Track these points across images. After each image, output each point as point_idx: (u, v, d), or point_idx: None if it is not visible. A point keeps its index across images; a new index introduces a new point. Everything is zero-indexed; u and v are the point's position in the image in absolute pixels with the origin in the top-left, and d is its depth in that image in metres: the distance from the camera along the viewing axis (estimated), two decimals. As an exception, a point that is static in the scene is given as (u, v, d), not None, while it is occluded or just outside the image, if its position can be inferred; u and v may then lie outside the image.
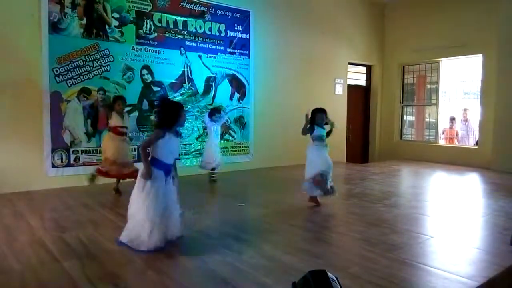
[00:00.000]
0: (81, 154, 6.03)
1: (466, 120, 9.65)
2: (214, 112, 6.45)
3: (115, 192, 5.38)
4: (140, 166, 3.41)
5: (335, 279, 2.03)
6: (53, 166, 5.82)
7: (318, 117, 4.88)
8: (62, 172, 5.87)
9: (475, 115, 9.16)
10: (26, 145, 5.59)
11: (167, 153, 3.31)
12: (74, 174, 5.94)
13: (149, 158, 3.28)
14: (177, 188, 3.49)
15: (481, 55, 8.65)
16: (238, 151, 7.87)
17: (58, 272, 2.82)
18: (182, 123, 3.42)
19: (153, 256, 3.11)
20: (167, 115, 3.29)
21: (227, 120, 7.64)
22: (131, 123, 6.34)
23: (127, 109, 5.82)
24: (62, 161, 5.89)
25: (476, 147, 8.96)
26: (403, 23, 10.05)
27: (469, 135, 9.59)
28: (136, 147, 6.30)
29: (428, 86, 10.02)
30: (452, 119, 9.80)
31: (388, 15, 10.45)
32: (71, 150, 5.96)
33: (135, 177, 5.11)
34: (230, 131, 7.72)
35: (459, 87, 10.13)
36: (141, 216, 3.19)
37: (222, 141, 7.41)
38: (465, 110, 9.61)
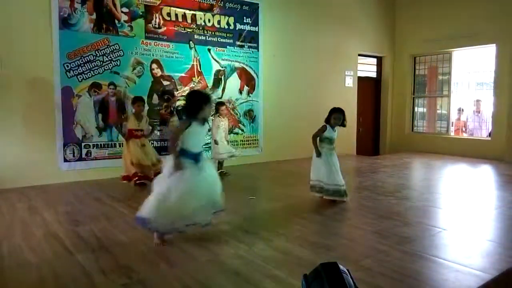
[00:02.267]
0: (93, 148, 6.09)
1: (479, 112, 9.50)
2: (219, 105, 6.43)
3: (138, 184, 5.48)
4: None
5: (346, 271, 2.02)
6: (65, 160, 5.89)
7: (334, 117, 4.59)
8: (74, 166, 5.95)
9: (488, 106, 9.02)
10: (39, 140, 5.67)
11: (194, 142, 3.36)
12: (86, 168, 6.02)
13: (178, 149, 3.30)
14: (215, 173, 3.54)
15: (494, 45, 8.49)
16: (248, 144, 7.87)
17: (72, 265, 2.86)
18: (208, 113, 3.42)
19: (166, 248, 3.14)
20: (192, 105, 3.33)
21: (237, 114, 7.64)
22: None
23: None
24: (74, 156, 5.95)
25: (489, 138, 8.83)
26: (414, 13, 9.91)
27: (482, 127, 9.44)
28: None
29: (440, 77, 9.89)
30: (460, 110, 9.67)
31: (399, 5, 10.29)
32: (83, 144, 6.02)
33: None
34: (239, 124, 7.72)
35: (471, 78, 9.97)
36: (162, 190, 3.17)
37: (231, 134, 7.42)
38: (478, 101, 9.47)
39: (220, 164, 6.45)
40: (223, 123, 6.36)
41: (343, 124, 4.68)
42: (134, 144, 5.49)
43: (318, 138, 4.65)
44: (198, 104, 3.31)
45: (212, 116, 6.36)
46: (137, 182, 5.48)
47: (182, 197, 3.14)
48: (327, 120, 4.63)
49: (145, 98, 6.50)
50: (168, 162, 3.31)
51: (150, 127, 5.99)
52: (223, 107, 6.42)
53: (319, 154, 4.59)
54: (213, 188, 3.40)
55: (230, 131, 7.24)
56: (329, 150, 4.63)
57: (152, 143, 6.55)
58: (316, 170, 4.66)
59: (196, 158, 3.34)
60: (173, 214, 3.14)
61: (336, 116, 4.58)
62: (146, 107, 6.50)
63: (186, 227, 3.27)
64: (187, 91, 6.91)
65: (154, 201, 3.16)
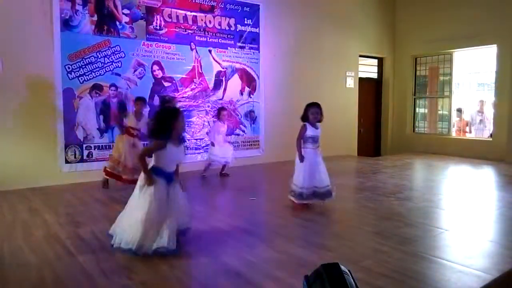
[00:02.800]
0: (94, 149, 6.10)
1: (482, 112, 9.48)
2: (221, 110, 6.43)
3: (103, 186, 5.46)
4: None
5: (348, 272, 2.01)
6: (67, 162, 5.90)
7: (312, 112, 4.23)
8: (75, 168, 5.95)
9: (489, 107, 9.00)
10: (40, 142, 5.68)
11: (168, 162, 3.17)
12: (87, 169, 6.02)
13: (150, 166, 3.15)
14: (183, 193, 3.37)
15: (495, 45, 8.48)
16: (249, 145, 7.87)
17: (73, 266, 2.86)
18: (181, 129, 3.21)
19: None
20: (163, 125, 3.09)
21: (238, 115, 7.64)
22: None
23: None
24: (75, 157, 5.96)
25: (490, 139, 8.81)
26: (415, 14, 9.90)
27: (486, 127, 9.40)
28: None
29: (441, 78, 9.87)
30: (459, 111, 9.67)
31: (399, 6, 10.29)
32: (84, 146, 6.03)
33: None
34: (240, 125, 7.72)
35: (472, 79, 9.96)
36: (139, 217, 3.01)
37: (233, 135, 7.44)
38: (481, 101, 9.44)
39: (223, 166, 6.46)
40: (223, 129, 6.38)
41: (319, 120, 4.31)
42: (126, 142, 5.45)
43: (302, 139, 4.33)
44: (168, 124, 3.09)
45: (213, 119, 6.39)
46: (105, 177, 5.43)
47: (153, 217, 3.01)
48: (305, 118, 4.30)
49: (146, 99, 6.52)
50: (140, 179, 3.16)
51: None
52: (225, 112, 6.43)
53: (302, 159, 4.28)
54: (181, 210, 3.25)
55: (231, 133, 7.25)
56: (313, 151, 4.33)
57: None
58: (307, 176, 4.29)
59: (169, 177, 3.19)
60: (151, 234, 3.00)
61: (313, 111, 4.23)
62: (148, 108, 6.52)
63: (155, 250, 3.00)
64: (188, 93, 6.94)
65: (138, 227, 2.97)
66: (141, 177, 3.15)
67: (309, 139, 4.32)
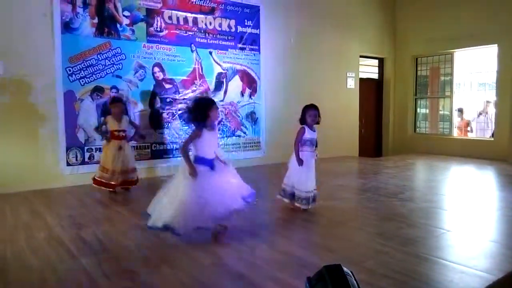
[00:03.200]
0: (95, 152, 6.09)
1: (486, 112, 9.46)
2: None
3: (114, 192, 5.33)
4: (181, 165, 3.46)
5: (350, 273, 2.01)
6: (68, 164, 5.90)
7: (310, 114, 4.17)
8: (77, 170, 5.95)
9: (491, 107, 9.00)
10: (41, 144, 5.69)
11: (207, 149, 3.43)
12: (88, 172, 6.00)
13: (193, 157, 3.39)
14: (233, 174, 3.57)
15: (496, 45, 8.48)
16: (250, 147, 7.87)
17: (75, 268, 2.86)
18: (215, 118, 3.51)
19: (168, 251, 3.14)
20: (200, 112, 3.40)
21: (239, 116, 7.64)
22: (143, 122, 6.40)
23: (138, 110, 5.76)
24: (77, 159, 5.96)
25: (492, 139, 8.80)
26: (415, 14, 9.90)
27: (489, 127, 9.39)
28: (133, 146, 6.34)
29: (442, 78, 9.87)
30: (460, 111, 9.66)
31: (400, 6, 10.29)
32: (86, 148, 6.03)
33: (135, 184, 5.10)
34: (242, 127, 7.72)
35: (474, 79, 9.95)
36: (182, 198, 3.23)
37: (234, 137, 7.43)
38: (487, 102, 9.42)
39: None
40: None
41: (317, 122, 4.26)
42: (112, 147, 5.27)
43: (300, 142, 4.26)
44: (204, 111, 3.39)
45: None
46: (95, 185, 5.30)
47: (199, 201, 3.21)
48: (303, 121, 4.25)
49: (147, 101, 6.53)
50: (182, 169, 3.38)
51: (133, 127, 5.63)
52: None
53: (301, 163, 4.17)
54: (228, 193, 3.43)
55: (232, 134, 7.24)
56: (311, 154, 4.25)
57: (155, 146, 6.57)
58: (292, 176, 4.29)
59: (211, 164, 3.42)
60: (195, 215, 3.21)
61: (311, 113, 4.18)
62: (148, 110, 6.52)
63: (198, 229, 3.30)
64: (188, 95, 6.94)
65: (176, 207, 3.19)
66: (184, 169, 3.34)
67: (307, 142, 4.24)
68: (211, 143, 3.47)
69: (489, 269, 2.76)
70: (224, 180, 3.46)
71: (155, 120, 6.64)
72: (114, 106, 5.39)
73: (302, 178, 4.21)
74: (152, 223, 3.25)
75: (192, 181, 3.27)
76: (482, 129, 9.53)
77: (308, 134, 4.24)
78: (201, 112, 3.40)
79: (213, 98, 3.97)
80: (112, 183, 5.22)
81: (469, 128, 9.79)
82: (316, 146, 4.33)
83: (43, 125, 5.70)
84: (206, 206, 3.23)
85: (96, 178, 5.31)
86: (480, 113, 9.62)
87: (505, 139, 8.28)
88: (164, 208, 3.25)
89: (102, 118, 5.68)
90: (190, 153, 3.43)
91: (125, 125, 5.41)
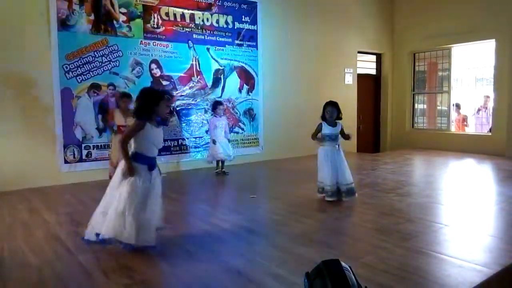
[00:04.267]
0: (93, 149, 6.08)
1: (486, 108, 9.47)
2: (217, 105, 6.39)
3: None
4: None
5: (348, 268, 2.02)
6: (66, 162, 5.89)
7: (327, 111, 4.41)
8: (74, 168, 5.94)
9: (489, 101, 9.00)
10: (39, 142, 5.66)
11: (149, 145, 3.13)
12: (86, 169, 6.00)
13: (131, 153, 3.09)
14: (162, 181, 3.32)
15: (493, 40, 8.47)
16: (248, 143, 7.86)
17: (73, 265, 2.86)
18: (162, 112, 3.19)
19: (166, 248, 3.14)
20: (145, 104, 3.08)
21: (236, 113, 7.63)
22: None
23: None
24: (74, 157, 5.95)
25: (490, 134, 8.82)
26: (413, 9, 9.88)
27: (489, 122, 9.39)
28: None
29: (440, 73, 9.87)
30: (458, 106, 9.66)
31: (397, 1, 10.26)
32: (83, 145, 6.01)
33: None
34: (239, 123, 7.71)
35: (471, 74, 9.94)
36: (123, 210, 2.96)
37: (232, 133, 7.41)
38: (487, 97, 9.42)
39: (222, 163, 6.45)
40: (221, 123, 6.32)
41: (338, 117, 4.51)
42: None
43: (318, 135, 4.54)
44: (149, 104, 3.08)
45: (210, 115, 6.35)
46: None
47: (135, 209, 2.97)
48: (323, 117, 4.50)
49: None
50: (120, 167, 3.10)
51: None
52: (221, 107, 6.38)
53: (321, 140, 4.49)
54: (157, 207, 3.19)
55: (231, 130, 7.23)
56: (331, 148, 4.48)
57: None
58: (320, 171, 4.54)
59: (150, 163, 3.14)
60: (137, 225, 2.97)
61: (328, 109, 4.42)
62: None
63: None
64: (186, 91, 6.93)
65: (115, 218, 2.95)
66: (121, 164, 3.09)
67: (326, 137, 4.46)
68: (155, 140, 3.16)
69: (487, 263, 2.77)
70: (158, 187, 3.20)
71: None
72: (122, 101, 5.51)
73: (324, 171, 4.44)
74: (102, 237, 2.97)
75: (130, 186, 2.98)
76: (482, 124, 9.51)
77: (326, 130, 4.47)
78: (147, 104, 3.07)
79: (167, 91, 3.64)
80: None
81: (466, 123, 9.78)
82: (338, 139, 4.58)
83: (40, 122, 5.68)
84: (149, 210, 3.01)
85: (111, 175, 5.33)
86: (480, 109, 9.61)
87: (502, 134, 8.29)
88: (112, 221, 2.96)
89: (113, 108, 5.82)
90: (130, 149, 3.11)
91: (130, 121, 5.44)
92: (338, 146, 4.54)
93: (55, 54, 5.73)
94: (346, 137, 4.61)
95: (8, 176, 5.41)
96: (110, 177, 5.43)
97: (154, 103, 3.09)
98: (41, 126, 5.69)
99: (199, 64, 7.11)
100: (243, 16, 7.62)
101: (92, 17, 6.02)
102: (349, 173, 4.57)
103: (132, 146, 3.12)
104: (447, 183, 5.96)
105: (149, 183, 3.09)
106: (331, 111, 4.41)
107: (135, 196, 2.99)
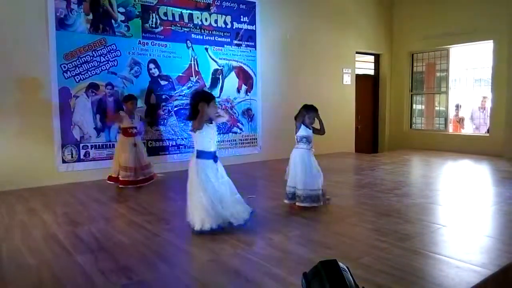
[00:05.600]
0: (91, 149, 6.07)
1: (484, 108, 9.49)
2: None
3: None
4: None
5: (346, 268, 2.01)
6: (64, 161, 5.87)
7: (308, 117, 4.20)
8: (72, 168, 5.93)
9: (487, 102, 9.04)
10: (37, 142, 5.65)
11: (208, 142, 3.54)
12: (84, 169, 6.00)
13: (195, 151, 3.53)
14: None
15: (491, 41, 8.50)
16: (246, 143, 7.86)
17: (72, 266, 2.86)
18: (212, 112, 3.57)
19: (165, 249, 3.14)
20: (195, 107, 3.47)
21: (235, 113, 7.63)
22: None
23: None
24: (72, 157, 5.94)
25: (488, 135, 8.84)
26: (412, 10, 9.90)
27: (486, 123, 9.43)
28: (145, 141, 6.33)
29: (438, 74, 9.89)
30: (458, 106, 9.69)
31: (396, 2, 10.28)
32: (81, 145, 6.00)
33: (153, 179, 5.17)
34: (238, 123, 7.71)
35: (469, 75, 9.97)
36: (196, 198, 3.42)
37: (230, 133, 7.42)
38: (484, 97, 9.44)
39: None
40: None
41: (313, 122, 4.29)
42: (127, 144, 5.44)
43: (296, 138, 4.33)
44: (201, 105, 3.43)
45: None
46: (121, 186, 5.39)
47: (211, 198, 3.42)
48: (302, 120, 4.24)
49: (143, 98, 6.51)
50: (192, 163, 3.52)
51: (142, 123, 5.98)
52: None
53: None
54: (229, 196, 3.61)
55: (229, 130, 7.23)
56: (308, 151, 4.25)
57: (151, 143, 6.56)
58: (293, 175, 4.24)
59: (214, 156, 3.56)
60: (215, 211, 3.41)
61: (311, 115, 4.22)
62: (142, 105, 6.50)
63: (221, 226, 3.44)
64: (185, 91, 6.92)
65: (200, 209, 3.38)
66: (193, 162, 3.51)
67: (303, 139, 4.26)
68: (210, 137, 3.56)
69: (484, 264, 2.78)
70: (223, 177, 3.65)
71: (151, 117, 6.61)
72: (129, 103, 5.57)
73: (298, 175, 4.20)
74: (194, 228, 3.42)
75: (204, 178, 3.43)
76: (480, 125, 9.54)
77: (304, 132, 4.26)
78: (198, 106, 3.44)
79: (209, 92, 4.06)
80: (139, 178, 5.45)
81: (463, 124, 9.82)
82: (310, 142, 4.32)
83: (38, 122, 5.66)
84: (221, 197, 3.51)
85: (122, 179, 5.40)
86: (478, 109, 9.64)
87: (500, 134, 8.31)
88: (192, 212, 3.43)
89: (118, 113, 5.81)
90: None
91: (137, 122, 5.60)
92: (312, 148, 4.30)
93: (53, 53, 5.71)
94: (322, 129, 4.36)
95: (6, 176, 5.39)
96: (110, 177, 5.51)
97: (207, 103, 3.48)
98: (38, 126, 5.67)
99: (197, 64, 7.11)
100: (242, 16, 7.62)
101: (90, 16, 6.01)
102: (322, 178, 4.26)
103: (195, 146, 3.59)
104: (445, 184, 5.98)
105: (215, 178, 3.54)
106: (314, 117, 4.24)
107: (203, 187, 3.44)
